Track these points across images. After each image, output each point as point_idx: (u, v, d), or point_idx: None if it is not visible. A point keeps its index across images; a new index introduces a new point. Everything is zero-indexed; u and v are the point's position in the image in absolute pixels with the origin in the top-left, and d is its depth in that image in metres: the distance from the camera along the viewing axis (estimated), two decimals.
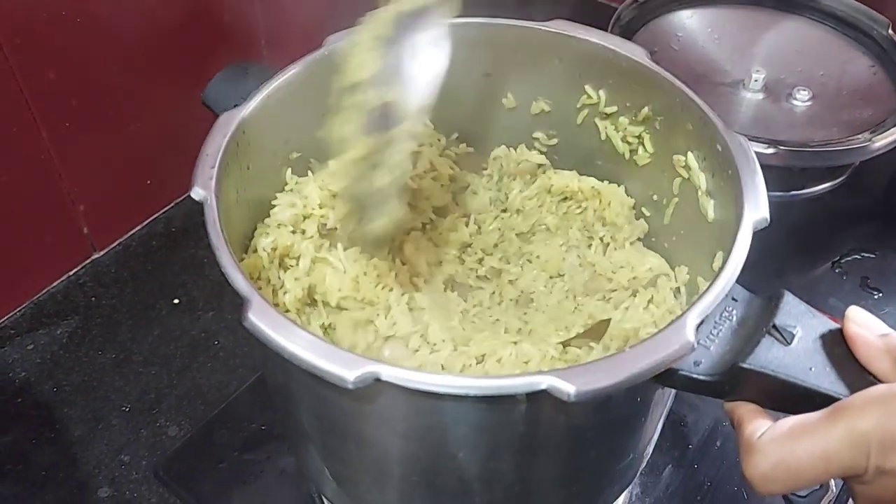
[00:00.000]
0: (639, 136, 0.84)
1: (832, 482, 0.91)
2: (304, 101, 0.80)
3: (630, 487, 0.90)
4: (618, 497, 0.84)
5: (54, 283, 1.12)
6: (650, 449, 0.77)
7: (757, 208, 0.65)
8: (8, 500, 0.91)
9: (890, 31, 1.30)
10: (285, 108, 0.78)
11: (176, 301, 1.11)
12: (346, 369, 0.53)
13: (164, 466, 0.93)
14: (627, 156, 0.87)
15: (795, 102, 1.24)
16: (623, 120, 0.85)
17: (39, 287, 1.11)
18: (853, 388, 0.57)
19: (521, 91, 0.89)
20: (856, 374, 0.58)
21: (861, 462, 0.53)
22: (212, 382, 1.02)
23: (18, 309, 1.08)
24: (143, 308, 1.10)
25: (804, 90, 1.24)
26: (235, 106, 0.74)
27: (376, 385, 0.54)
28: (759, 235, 0.64)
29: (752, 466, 0.57)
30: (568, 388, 0.52)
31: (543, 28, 0.83)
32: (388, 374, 0.53)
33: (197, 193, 0.66)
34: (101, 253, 1.16)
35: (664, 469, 0.93)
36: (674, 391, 0.71)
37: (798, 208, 1.24)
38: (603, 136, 0.88)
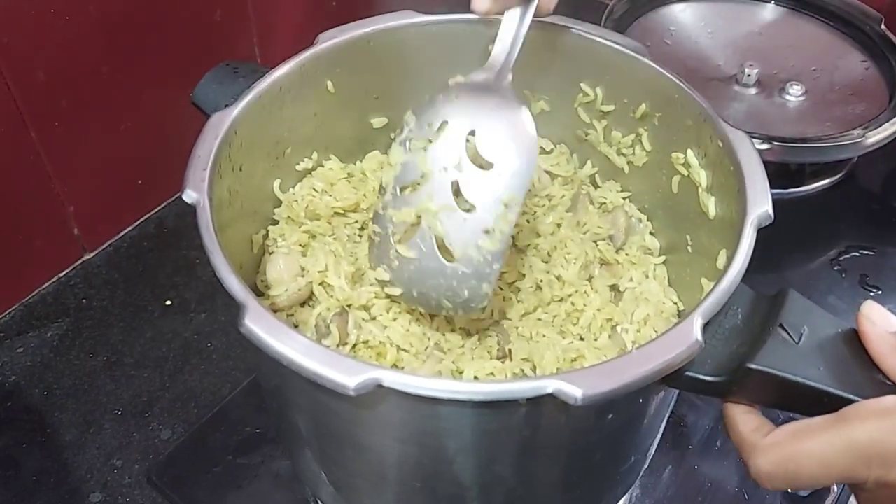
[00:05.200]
0: (636, 135, 0.83)
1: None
2: (296, 100, 0.79)
3: (630, 490, 0.89)
4: (619, 500, 0.84)
5: (44, 285, 1.11)
6: (653, 450, 0.77)
7: (761, 205, 0.65)
8: None
9: (882, 27, 1.30)
10: (278, 108, 0.77)
11: (168, 303, 1.10)
12: (347, 376, 0.53)
13: (156, 471, 0.92)
14: (627, 169, 0.87)
15: (788, 97, 1.24)
16: (616, 134, 0.86)
17: (29, 289, 1.10)
18: (862, 388, 0.57)
19: (516, 88, 0.88)
20: (865, 373, 0.57)
21: (861, 472, 0.54)
22: (205, 385, 1.01)
23: (8, 311, 1.07)
24: (135, 310, 1.09)
25: (797, 85, 1.24)
26: (226, 106, 0.72)
27: (378, 391, 0.53)
28: (757, 233, 0.64)
29: (756, 465, 0.58)
30: (575, 391, 0.51)
31: (539, 23, 0.82)
32: (391, 380, 0.53)
33: (189, 196, 0.64)
34: (92, 254, 1.15)
35: (664, 470, 0.92)
36: (676, 391, 0.70)
37: (796, 206, 1.24)
38: (597, 161, 0.89)
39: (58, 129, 1.01)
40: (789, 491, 0.90)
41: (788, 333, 0.59)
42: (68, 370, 1.02)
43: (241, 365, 1.02)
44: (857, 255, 1.17)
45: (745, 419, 0.60)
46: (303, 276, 0.78)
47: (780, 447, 0.56)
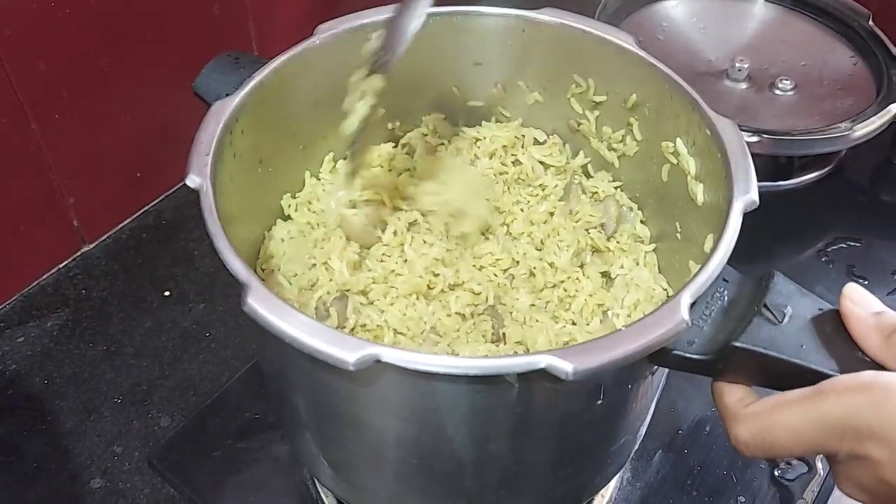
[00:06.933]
0: (628, 125, 0.85)
1: (819, 466, 0.92)
2: (295, 90, 0.80)
3: (621, 472, 0.90)
4: (610, 480, 0.85)
5: (44, 276, 1.11)
6: (643, 431, 0.78)
7: (746, 190, 0.66)
8: (0, 492, 0.90)
9: (871, 23, 1.31)
10: (277, 97, 0.78)
11: (167, 293, 1.10)
12: (347, 351, 0.54)
13: (157, 456, 0.93)
14: (617, 164, 0.88)
15: (778, 92, 1.26)
16: (607, 130, 0.87)
17: (29, 280, 1.10)
18: (843, 364, 0.58)
19: (510, 80, 0.90)
20: (846, 351, 0.59)
21: (833, 445, 0.56)
22: (203, 373, 1.02)
23: (8, 302, 1.08)
24: (134, 300, 1.09)
25: (787, 80, 1.26)
26: (227, 95, 0.74)
27: (376, 367, 0.54)
28: (746, 224, 0.65)
29: (735, 434, 0.61)
30: (566, 366, 0.53)
31: (533, 16, 0.83)
32: (389, 355, 0.54)
33: (192, 181, 0.66)
34: (92, 245, 1.15)
35: (655, 454, 0.94)
36: (666, 373, 0.72)
37: (784, 198, 1.25)
38: (589, 152, 0.90)
39: (58, 121, 1.02)
40: (776, 474, 0.91)
41: (772, 313, 0.60)
42: (68, 359, 1.03)
43: (240, 354, 1.03)
44: (845, 246, 1.18)
45: (730, 389, 0.63)
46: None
47: (758, 417, 0.59)
